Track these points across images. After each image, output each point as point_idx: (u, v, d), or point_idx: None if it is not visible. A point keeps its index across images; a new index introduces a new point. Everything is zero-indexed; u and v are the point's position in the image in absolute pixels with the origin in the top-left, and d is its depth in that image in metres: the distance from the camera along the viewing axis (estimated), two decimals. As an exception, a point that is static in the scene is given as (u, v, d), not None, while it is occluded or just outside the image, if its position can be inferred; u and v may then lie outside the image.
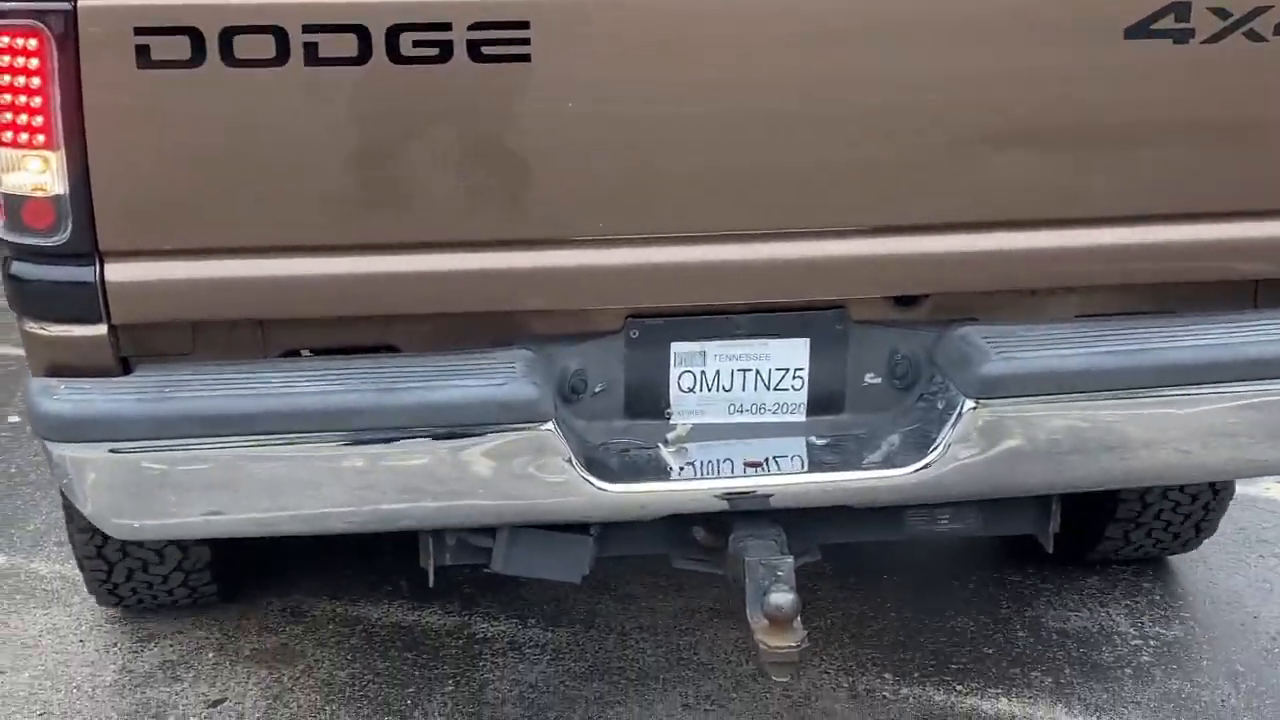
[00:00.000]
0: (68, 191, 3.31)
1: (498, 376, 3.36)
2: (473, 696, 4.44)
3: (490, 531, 3.66)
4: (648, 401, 3.64)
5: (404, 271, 3.42)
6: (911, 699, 4.42)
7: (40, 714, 4.32)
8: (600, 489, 3.39)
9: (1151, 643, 4.70)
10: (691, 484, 3.48)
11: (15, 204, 3.35)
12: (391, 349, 3.57)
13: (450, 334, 3.54)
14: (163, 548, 4.33)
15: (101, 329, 3.38)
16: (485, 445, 3.33)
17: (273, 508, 3.37)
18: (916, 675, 4.54)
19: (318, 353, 3.55)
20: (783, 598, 3.35)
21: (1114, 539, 4.79)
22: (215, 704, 4.41)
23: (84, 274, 3.35)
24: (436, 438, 3.31)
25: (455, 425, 3.31)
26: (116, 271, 3.36)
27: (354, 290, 3.42)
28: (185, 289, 3.38)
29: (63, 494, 4.11)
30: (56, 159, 3.32)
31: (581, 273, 3.47)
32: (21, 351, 6.85)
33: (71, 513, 4.19)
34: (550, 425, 3.34)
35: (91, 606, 4.82)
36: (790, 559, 3.51)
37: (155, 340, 3.46)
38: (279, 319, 3.48)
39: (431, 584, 3.75)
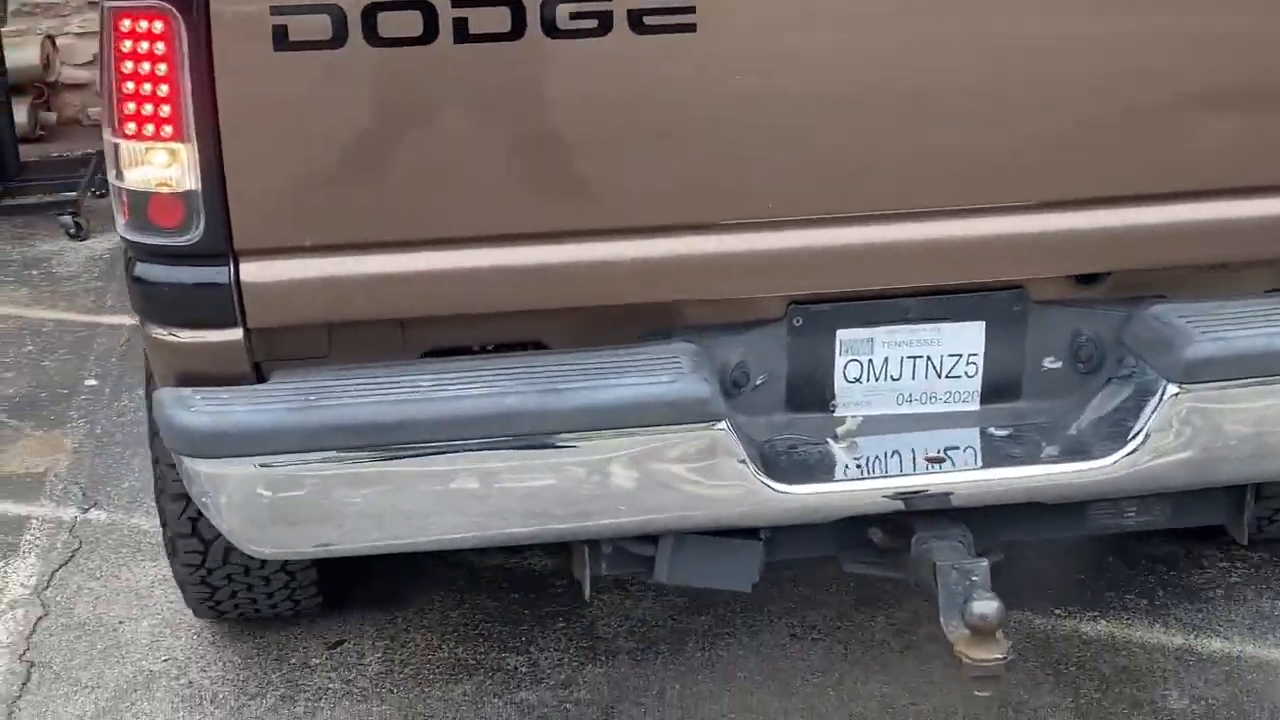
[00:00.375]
0: (199, 186, 2.62)
1: (665, 373, 2.70)
2: (585, 631, 3.88)
3: (651, 538, 2.97)
4: (811, 394, 2.96)
5: (556, 263, 2.74)
6: (1012, 624, 3.80)
7: (165, 659, 3.81)
8: (777, 491, 2.74)
9: (1239, 565, 4.12)
10: (871, 484, 2.83)
11: (140, 201, 2.66)
12: (538, 345, 2.89)
13: (600, 327, 2.86)
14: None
15: (237, 334, 2.70)
16: (654, 448, 2.68)
17: (432, 520, 2.71)
18: (1014, 601, 3.90)
19: (459, 351, 2.87)
20: (987, 606, 2.72)
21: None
22: (335, 645, 3.84)
23: (217, 275, 2.67)
24: (602, 441, 2.66)
25: (622, 428, 2.66)
26: (252, 271, 2.68)
27: (503, 284, 2.75)
28: (325, 288, 2.70)
29: (159, 506, 3.50)
30: (187, 151, 2.61)
31: (743, 258, 2.79)
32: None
33: (173, 529, 3.47)
34: (723, 425, 2.69)
35: None
36: (985, 562, 2.87)
37: (290, 344, 2.77)
38: (422, 317, 2.80)
39: (588, 597, 3.10)
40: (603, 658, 3.79)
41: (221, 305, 2.68)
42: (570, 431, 2.64)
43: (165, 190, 2.65)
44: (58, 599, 4.09)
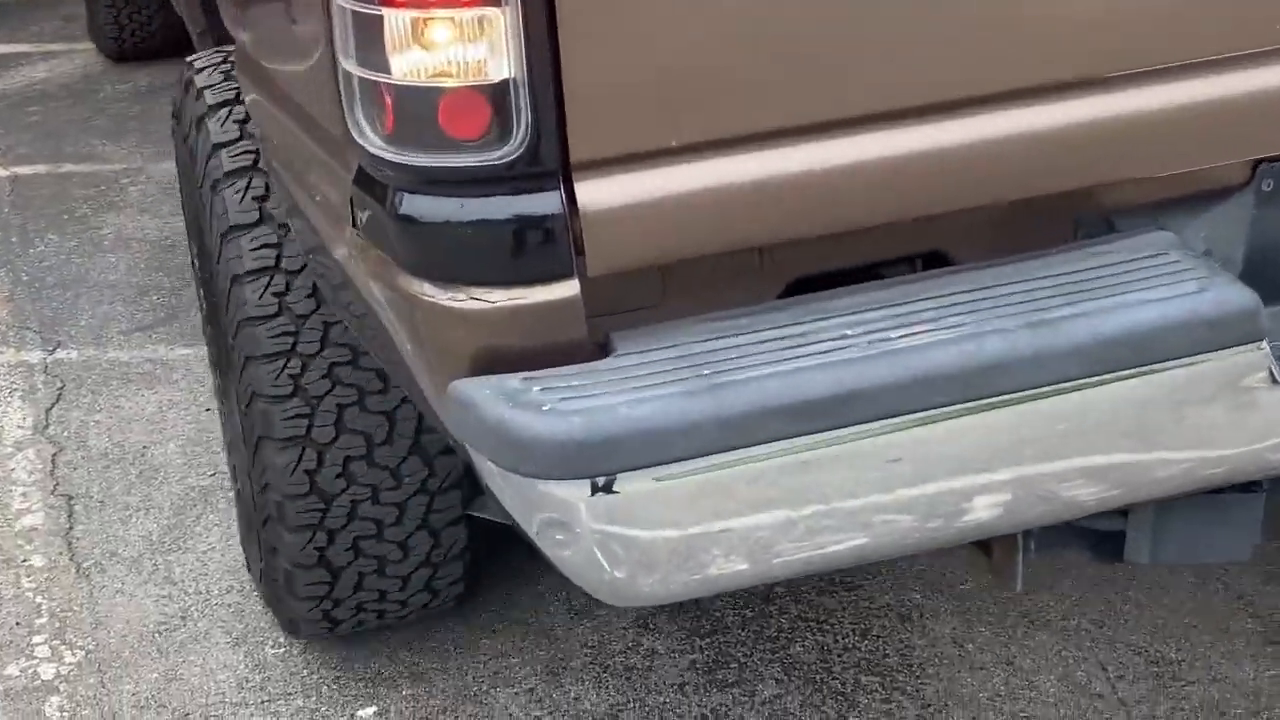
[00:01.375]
0: (523, 74, 1.70)
1: (1182, 281, 1.89)
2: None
3: (1117, 509, 2.11)
4: (1273, 278, 2.15)
5: (988, 139, 1.91)
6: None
7: (210, 475, 3.54)
8: None
9: None
10: None
11: (421, 102, 1.72)
12: (937, 259, 2.09)
13: (1016, 226, 2.05)
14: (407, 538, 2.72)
15: (571, 288, 1.80)
16: (1177, 386, 1.88)
17: (875, 520, 1.86)
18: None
19: (831, 279, 2.03)
20: None
21: None
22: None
23: (545, 203, 1.77)
24: (1103, 389, 1.85)
25: (1138, 365, 1.85)
26: (593, 194, 1.77)
27: (925, 174, 1.90)
28: (690, 208, 1.82)
29: (258, 531, 2.65)
30: (504, 21, 1.69)
31: (1206, 112, 2.00)
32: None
33: (290, 558, 2.63)
34: (1263, 344, 1.89)
35: (199, 376, 3.87)
36: None
37: (618, 294, 1.91)
38: (801, 238, 1.93)
39: (1020, 587, 2.22)
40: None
41: (552, 247, 1.77)
42: (1069, 379, 1.85)
43: (463, 83, 1.71)
44: (65, 435, 3.79)
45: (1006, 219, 2.05)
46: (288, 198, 2.37)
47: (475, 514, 2.64)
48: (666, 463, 1.75)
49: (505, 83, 1.72)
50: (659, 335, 1.88)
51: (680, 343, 1.86)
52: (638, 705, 2.80)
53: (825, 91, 1.83)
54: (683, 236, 1.85)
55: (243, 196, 2.54)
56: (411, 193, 1.80)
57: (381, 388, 2.56)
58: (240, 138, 2.63)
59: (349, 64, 1.78)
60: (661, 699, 2.82)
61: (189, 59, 2.87)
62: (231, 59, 2.76)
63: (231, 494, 3.26)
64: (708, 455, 1.76)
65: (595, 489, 1.74)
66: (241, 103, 2.64)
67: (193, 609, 3.11)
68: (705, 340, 1.86)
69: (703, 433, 1.74)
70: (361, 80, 1.77)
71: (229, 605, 3.11)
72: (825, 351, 1.82)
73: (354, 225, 1.95)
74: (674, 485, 1.76)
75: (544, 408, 1.74)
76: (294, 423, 2.54)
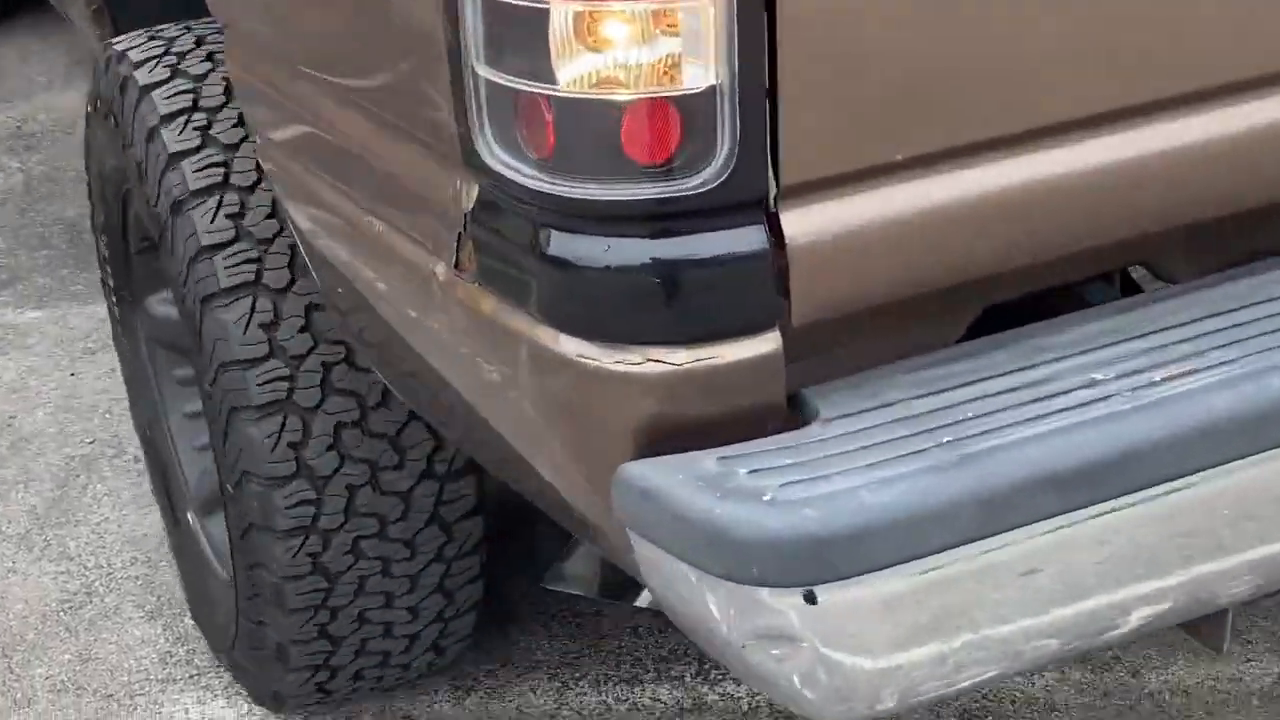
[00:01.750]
0: (732, 80, 1.29)
1: None
2: None
3: None
4: None
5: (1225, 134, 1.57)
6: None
7: (89, 442, 3.28)
8: None
9: None
10: None
11: (600, 116, 1.31)
12: (1127, 277, 1.75)
13: (1218, 233, 1.72)
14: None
15: (772, 341, 1.40)
16: None
17: (1043, 644, 1.52)
18: None
19: (1026, 311, 1.67)
20: None
21: None
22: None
23: (746, 240, 1.37)
24: None
25: None
26: (801, 224, 1.37)
27: (1179, 176, 1.58)
28: (912, 236, 1.44)
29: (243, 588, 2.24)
30: (711, 14, 1.27)
31: None
32: None
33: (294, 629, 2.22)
34: None
35: (57, 339, 3.59)
36: None
37: (805, 344, 1.51)
38: (1043, 261, 1.56)
39: (1224, 650, 1.78)
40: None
41: (753, 293, 1.37)
42: None
43: (654, 94, 1.28)
44: (-86, 415, 3.31)
45: (1213, 226, 1.74)
46: (300, 237, 1.96)
47: (551, 587, 2.29)
48: (917, 559, 1.40)
49: (710, 91, 1.31)
50: (864, 392, 1.49)
51: (892, 400, 1.47)
52: (593, 651, 2.59)
53: (1083, 81, 1.47)
54: (904, 270, 1.44)
55: (182, 130, 2.31)
56: (567, 230, 1.37)
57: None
58: (173, 77, 2.37)
59: (485, 70, 1.35)
60: (618, 643, 2.62)
61: (110, 41, 2.55)
62: (161, 35, 2.43)
63: (119, 461, 3.07)
64: (961, 547, 1.42)
65: (810, 599, 1.39)
66: (172, 54, 2.38)
67: (96, 584, 2.88)
68: (921, 396, 1.48)
69: (962, 515, 1.39)
70: (505, 90, 1.34)
71: (135, 578, 2.87)
72: (1081, 404, 1.47)
73: (457, 267, 1.55)
74: (927, 581, 1.42)
75: (764, 497, 1.36)
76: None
